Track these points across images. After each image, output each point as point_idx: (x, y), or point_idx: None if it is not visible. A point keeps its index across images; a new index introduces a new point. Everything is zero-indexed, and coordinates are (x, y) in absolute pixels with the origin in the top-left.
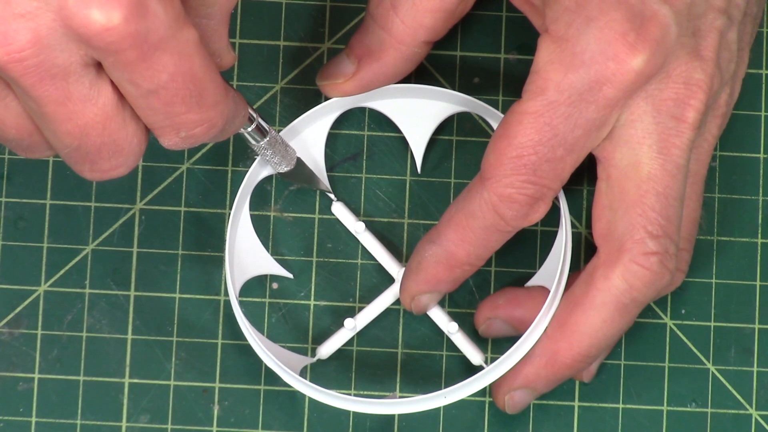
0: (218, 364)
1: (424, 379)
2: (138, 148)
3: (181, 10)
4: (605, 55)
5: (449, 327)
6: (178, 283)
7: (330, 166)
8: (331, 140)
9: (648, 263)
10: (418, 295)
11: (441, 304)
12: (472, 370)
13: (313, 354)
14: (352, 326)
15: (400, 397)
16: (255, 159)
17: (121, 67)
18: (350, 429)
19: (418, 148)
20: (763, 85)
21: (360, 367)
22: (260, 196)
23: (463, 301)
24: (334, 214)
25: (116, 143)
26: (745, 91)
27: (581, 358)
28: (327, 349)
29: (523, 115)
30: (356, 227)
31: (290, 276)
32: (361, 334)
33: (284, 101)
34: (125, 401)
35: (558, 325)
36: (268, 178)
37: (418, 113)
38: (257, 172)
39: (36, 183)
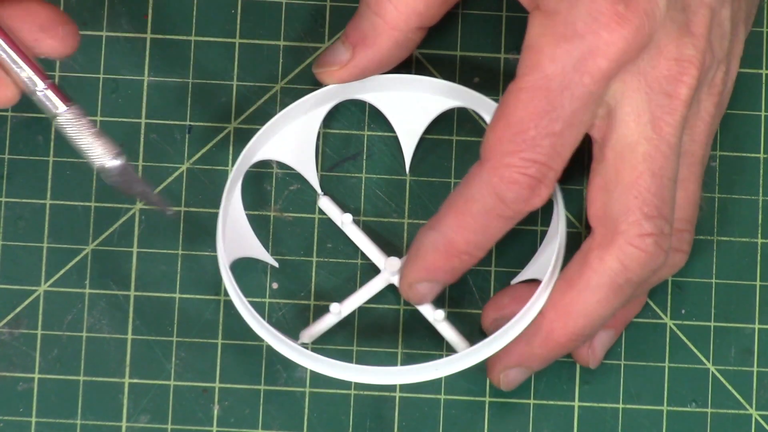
0: (218, 364)
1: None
2: None
3: None
4: (597, 25)
5: (435, 315)
6: (178, 283)
7: (330, 166)
8: (331, 140)
9: (643, 244)
10: (416, 282)
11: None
12: None
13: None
14: (337, 311)
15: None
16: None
17: None
18: (350, 429)
19: (408, 144)
20: (763, 85)
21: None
22: (260, 196)
23: (462, 300)
24: (322, 210)
25: None
26: (745, 91)
27: (575, 337)
28: (311, 333)
29: (520, 92)
30: (343, 219)
31: (276, 264)
32: (361, 331)
33: (284, 101)
34: (125, 401)
35: (553, 305)
36: (268, 178)
37: (412, 107)
38: (251, 154)
39: (36, 183)
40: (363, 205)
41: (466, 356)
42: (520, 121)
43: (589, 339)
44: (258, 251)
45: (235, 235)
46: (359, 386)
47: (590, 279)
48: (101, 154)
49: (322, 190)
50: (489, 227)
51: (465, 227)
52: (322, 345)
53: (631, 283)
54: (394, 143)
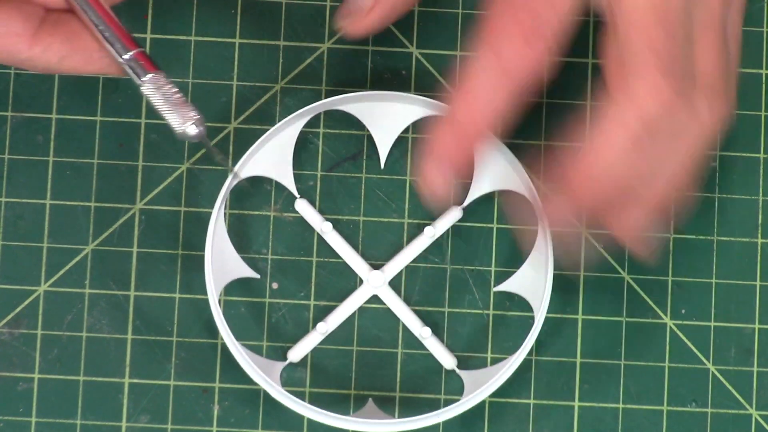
0: (218, 364)
1: (424, 379)
2: None
3: None
4: None
5: (422, 332)
6: (178, 283)
7: (330, 166)
8: (331, 140)
9: (653, 82)
10: (429, 170)
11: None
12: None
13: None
14: (324, 330)
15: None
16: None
17: None
18: (350, 429)
19: (383, 146)
20: (763, 85)
21: (360, 367)
22: (260, 196)
23: (462, 301)
24: (298, 212)
25: None
26: (745, 91)
27: (603, 180)
28: (298, 353)
29: None
30: (323, 227)
31: (257, 276)
32: (361, 335)
33: (284, 101)
34: (125, 401)
35: (578, 165)
36: (268, 178)
37: (388, 115)
38: (234, 180)
39: (36, 183)
40: (363, 205)
41: (466, 402)
42: None
43: (629, 194)
44: (243, 270)
45: (222, 263)
46: (359, 387)
47: (610, 127)
48: (181, 123)
49: (323, 191)
50: (487, 86)
51: (470, 92)
52: (324, 345)
53: (650, 124)
54: (394, 143)
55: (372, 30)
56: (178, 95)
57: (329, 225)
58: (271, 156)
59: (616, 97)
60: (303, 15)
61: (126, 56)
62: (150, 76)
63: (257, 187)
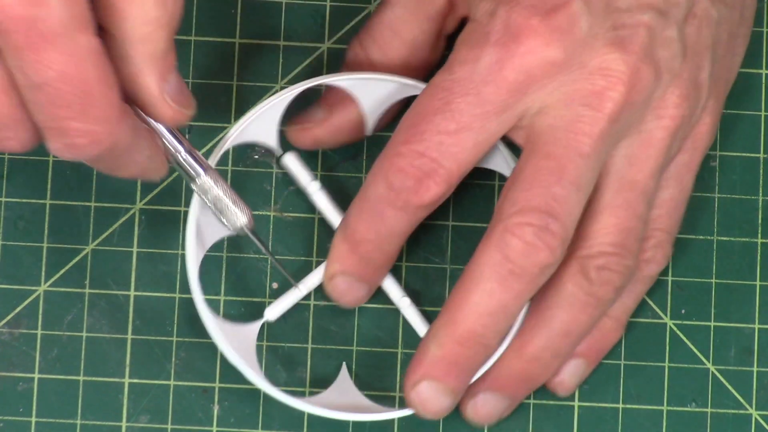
0: (218, 364)
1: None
2: (25, 135)
3: (84, 14)
4: (509, 36)
5: (401, 302)
6: (178, 283)
7: (330, 166)
8: None
9: (521, 232)
10: (332, 276)
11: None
12: None
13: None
14: (303, 288)
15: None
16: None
17: (11, 51)
18: (350, 429)
19: (372, 117)
20: (763, 85)
21: (360, 367)
22: (260, 196)
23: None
24: (283, 168)
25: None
26: (745, 90)
27: (472, 335)
28: (275, 311)
29: (427, 88)
30: (311, 187)
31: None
32: (361, 335)
33: None
34: (125, 401)
35: (446, 309)
36: (268, 178)
37: (381, 90)
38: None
39: (36, 183)
40: None
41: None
42: (416, 114)
43: (497, 340)
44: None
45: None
46: (359, 387)
47: (474, 272)
48: (236, 218)
49: (323, 190)
50: (383, 215)
51: (362, 213)
52: (324, 345)
53: (516, 275)
54: None
55: (317, 144)
56: (230, 191)
57: (317, 184)
58: (259, 126)
59: (484, 237)
60: (303, 15)
61: (182, 152)
62: (209, 171)
63: (257, 187)
